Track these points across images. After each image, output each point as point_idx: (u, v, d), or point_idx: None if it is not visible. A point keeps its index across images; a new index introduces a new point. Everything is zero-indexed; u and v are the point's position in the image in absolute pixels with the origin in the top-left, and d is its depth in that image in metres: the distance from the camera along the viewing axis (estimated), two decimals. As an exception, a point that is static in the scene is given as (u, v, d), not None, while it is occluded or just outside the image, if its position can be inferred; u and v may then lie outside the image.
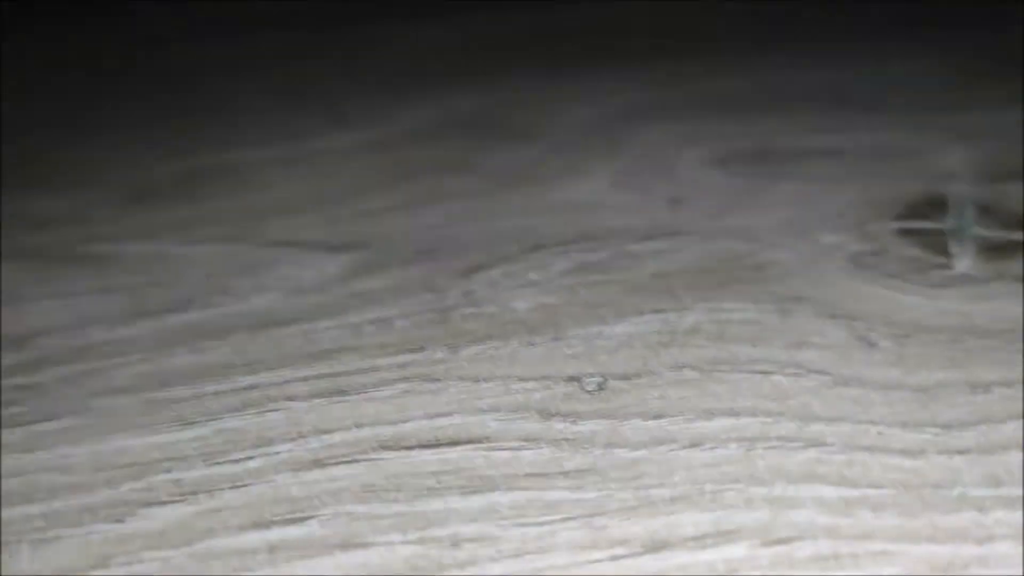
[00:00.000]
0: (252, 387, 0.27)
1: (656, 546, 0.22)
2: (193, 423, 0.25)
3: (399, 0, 0.55)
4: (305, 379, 0.27)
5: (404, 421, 0.25)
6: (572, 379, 0.26)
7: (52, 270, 0.32)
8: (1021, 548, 0.21)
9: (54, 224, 0.34)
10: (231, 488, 0.24)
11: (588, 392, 0.26)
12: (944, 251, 0.31)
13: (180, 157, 0.39)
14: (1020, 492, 0.23)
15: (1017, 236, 0.32)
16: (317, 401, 0.26)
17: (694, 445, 0.24)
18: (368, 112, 0.41)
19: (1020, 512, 0.22)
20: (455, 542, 0.22)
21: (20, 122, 0.42)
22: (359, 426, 0.25)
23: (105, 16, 0.54)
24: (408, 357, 0.27)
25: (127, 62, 0.48)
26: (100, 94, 0.44)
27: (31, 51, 0.50)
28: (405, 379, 0.27)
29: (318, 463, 0.24)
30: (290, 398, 0.26)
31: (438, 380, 0.27)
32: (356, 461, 0.24)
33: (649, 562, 0.22)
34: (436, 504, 0.23)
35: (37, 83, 0.46)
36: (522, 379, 0.26)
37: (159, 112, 0.42)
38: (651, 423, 0.25)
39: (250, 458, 0.24)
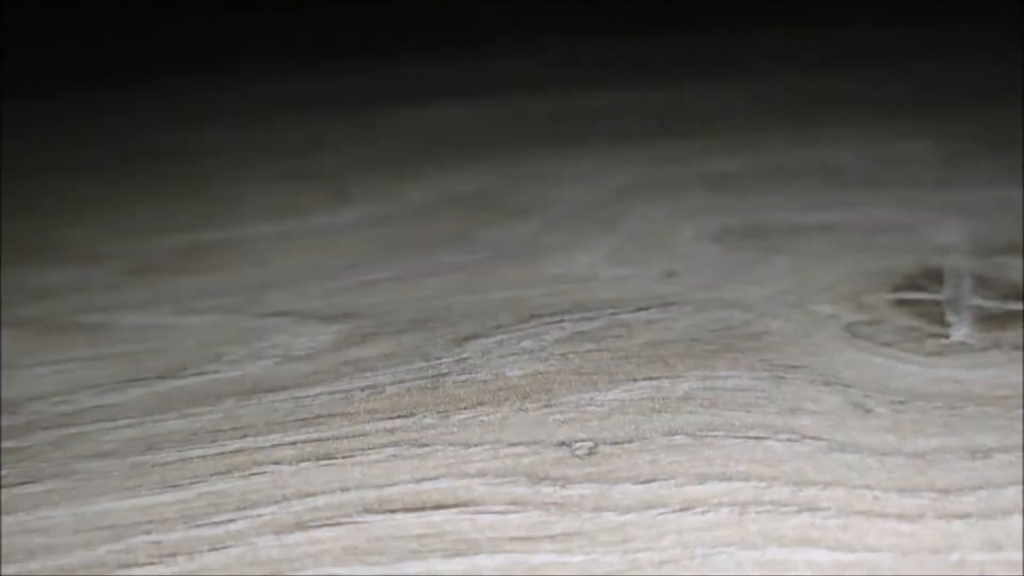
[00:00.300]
0: (239, 451, 0.26)
1: (645, 612, 0.21)
2: (177, 486, 0.25)
3: (399, 85, 0.56)
4: (293, 443, 0.26)
5: (390, 485, 0.25)
6: (562, 444, 0.26)
7: (47, 339, 0.32)
8: (1024, 615, 0.21)
9: (53, 295, 0.35)
10: (211, 550, 0.23)
11: (578, 457, 0.26)
12: (941, 321, 0.31)
13: (181, 233, 0.39)
14: (1021, 557, 0.22)
15: (1015, 306, 0.31)
16: (303, 465, 0.26)
17: (685, 509, 0.24)
18: (369, 190, 0.42)
19: (1022, 578, 0.21)
20: (438, 607, 0.21)
21: (24, 196, 0.43)
22: (344, 489, 0.25)
23: (109, 95, 0.55)
24: (398, 422, 0.27)
25: (131, 141, 0.49)
26: (104, 171, 0.45)
27: (34, 127, 0.51)
28: (394, 444, 0.26)
29: (300, 526, 0.24)
30: (276, 462, 0.26)
31: (427, 445, 0.26)
32: (339, 524, 0.24)
33: (638, 628, 0.21)
34: (418, 567, 0.22)
35: (41, 158, 0.47)
36: (512, 444, 0.26)
37: (162, 189, 0.43)
38: (641, 487, 0.24)
39: (232, 520, 0.24)
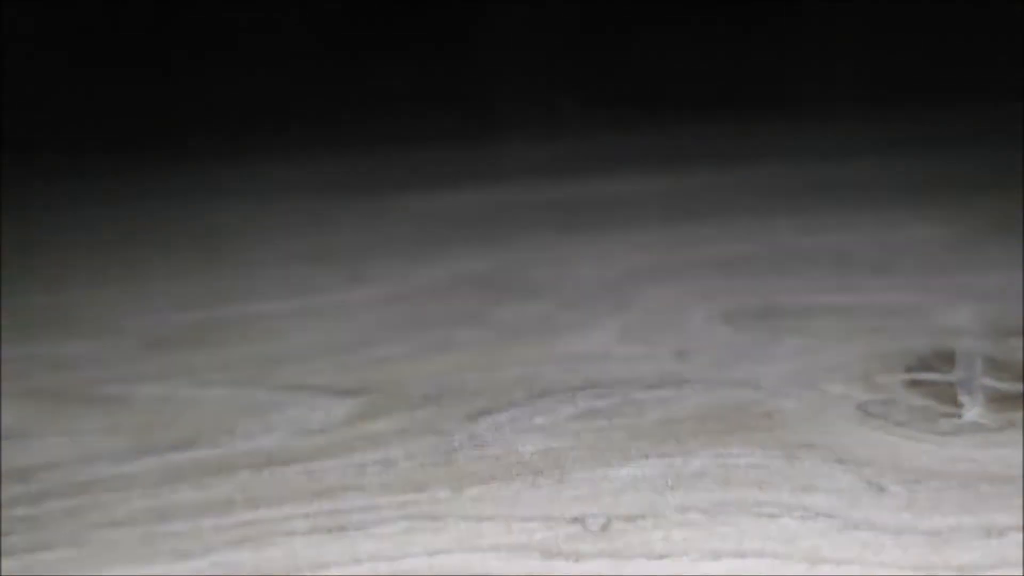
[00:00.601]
0: (252, 522, 0.26)
1: None
2: (190, 556, 0.25)
3: (415, 171, 0.57)
4: (306, 515, 0.26)
5: (403, 557, 0.25)
6: (576, 520, 0.26)
7: (65, 408, 0.32)
8: None
9: (71, 366, 0.35)
10: (222, 621, 0.23)
11: (591, 532, 0.25)
12: (953, 401, 0.31)
13: (197, 308, 0.40)
14: (1040, 637, 0.22)
15: (1027, 389, 0.31)
16: (316, 537, 0.26)
17: (699, 585, 0.23)
18: (384, 271, 0.42)
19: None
20: None
21: (41, 269, 0.43)
22: (357, 561, 0.25)
23: (123, 168, 0.56)
24: (411, 496, 0.27)
25: (147, 215, 0.50)
26: (120, 245, 0.46)
27: (48, 200, 0.52)
28: (406, 517, 0.26)
29: (313, 597, 0.24)
30: (289, 533, 0.26)
31: (440, 519, 0.26)
32: (352, 596, 0.23)
33: None
34: (431, 639, 0.22)
35: (56, 231, 0.48)
36: (525, 519, 0.26)
37: (178, 265, 0.43)
38: (655, 563, 0.24)
39: (244, 591, 0.24)
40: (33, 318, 0.39)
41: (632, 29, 0.95)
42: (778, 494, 0.27)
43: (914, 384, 0.32)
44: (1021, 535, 0.25)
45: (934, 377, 0.32)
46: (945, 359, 0.33)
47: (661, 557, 0.24)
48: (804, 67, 0.84)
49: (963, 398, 0.31)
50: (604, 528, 0.26)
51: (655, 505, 0.26)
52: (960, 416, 0.30)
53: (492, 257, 0.44)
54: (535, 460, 0.28)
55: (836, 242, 0.44)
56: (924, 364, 0.33)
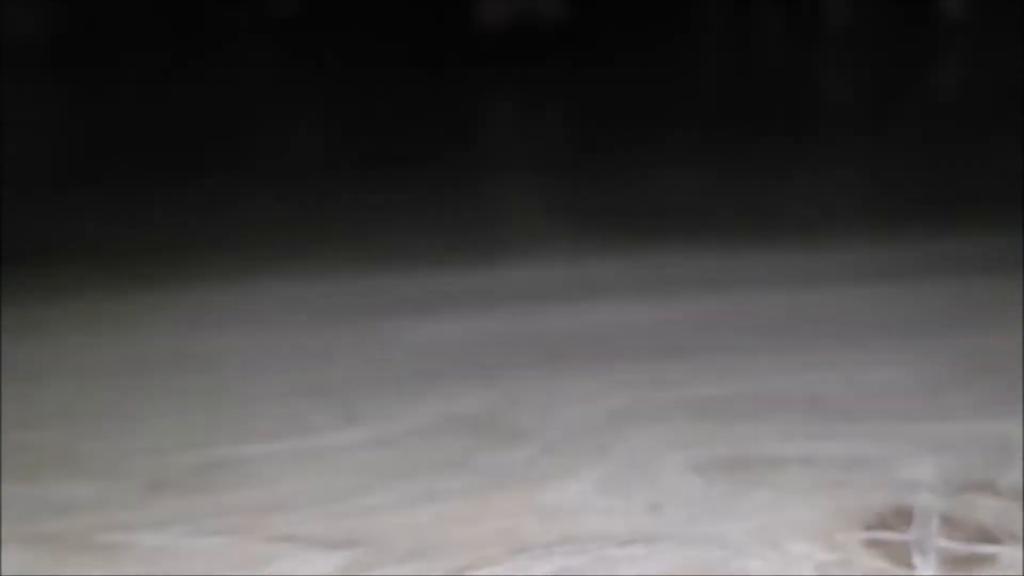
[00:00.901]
0: None
1: None
2: None
3: (408, 296, 0.60)
4: (291, 678, 0.28)
5: None
6: None
7: (66, 556, 0.34)
8: None
9: (74, 511, 0.37)
10: None
11: None
12: (907, 563, 0.32)
13: (195, 449, 0.42)
14: None
15: (981, 549, 0.33)
16: None
17: None
18: (376, 409, 0.45)
19: None
20: None
21: (40, 405, 0.45)
22: None
23: (117, 298, 0.59)
24: (392, 658, 0.29)
25: (143, 346, 0.53)
26: (119, 379, 0.48)
27: (44, 333, 0.54)
28: None
29: None
30: None
31: None
32: None
33: None
34: None
35: (54, 365, 0.50)
36: None
37: (176, 400, 0.46)
38: None
39: None
40: (36, 456, 0.41)
41: (623, 155, 0.99)
42: (738, 662, 0.28)
43: (872, 544, 0.33)
44: None
45: (891, 537, 0.34)
46: (903, 517, 0.35)
47: None
48: (792, 195, 0.87)
49: (916, 559, 0.32)
50: None
51: (621, 671, 0.28)
52: (913, 580, 0.31)
53: (479, 396, 0.46)
54: (511, 620, 0.30)
55: (809, 383, 0.47)
56: (883, 522, 0.35)
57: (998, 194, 0.81)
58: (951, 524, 0.35)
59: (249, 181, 0.88)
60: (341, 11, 1.80)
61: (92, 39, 1.74)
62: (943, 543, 0.33)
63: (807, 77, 1.56)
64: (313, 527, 0.35)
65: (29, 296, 0.60)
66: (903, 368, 0.48)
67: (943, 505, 0.36)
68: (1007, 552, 0.33)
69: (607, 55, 1.65)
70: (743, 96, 1.31)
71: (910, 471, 0.38)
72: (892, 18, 1.87)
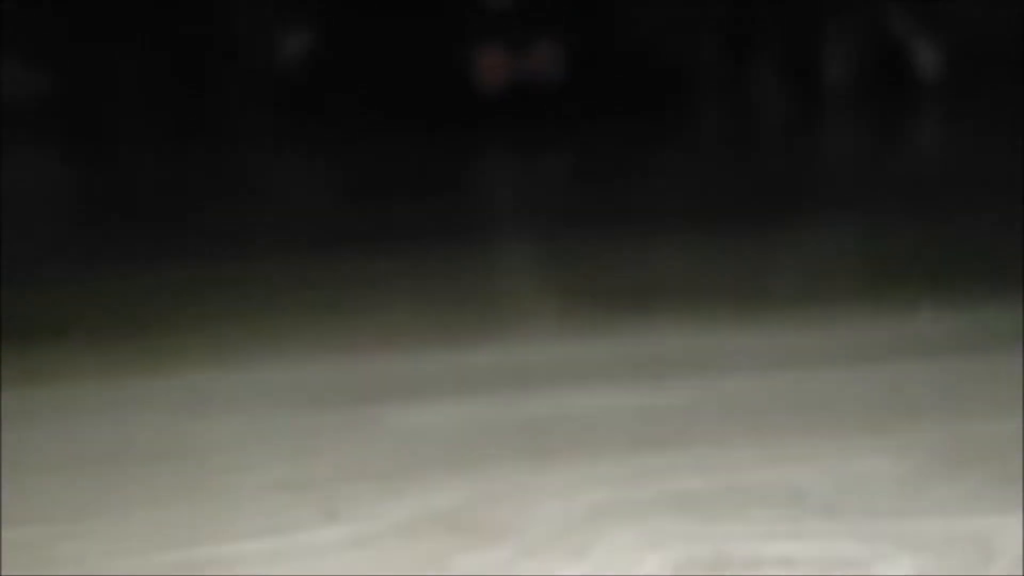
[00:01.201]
0: None
1: None
2: None
3: (388, 381, 0.60)
4: None
5: None
6: None
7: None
8: None
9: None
10: None
11: None
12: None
13: (178, 548, 0.41)
14: None
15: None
16: None
17: None
18: (356, 506, 0.45)
19: None
20: None
21: (21, 498, 0.45)
22: None
23: (95, 388, 0.59)
24: None
25: (122, 437, 0.53)
26: (99, 472, 0.48)
27: (20, 423, 0.54)
28: None
29: None
30: None
31: None
32: None
33: None
34: None
35: (33, 457, 0.50)
36: None
37: (158, 495, 0.46)
38: None
39: None
40: (11, 559, 0.41)
41: (613, 229, 1.00)
42: None
43: (849, 654, 0.33)
44: None
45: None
46: (881, 624, 0.35)
47: None
48: (785, 272, 0.88)
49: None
50: None
51: None
52: None
53: (460, 491, 0.46)
54: None
55: (791, 476, 0.47)
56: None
57: (988, 270, 0.82)
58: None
59: (231, 257, 0.89)
60: (337, 74, 1.82)
61: (88, 103, 1.76)
62: (920, 653, 0.33)
63: (802, 147, 1.58)
64: (288, 636, 0.35)
65: (7, 382, 0.60)
66: (883, 457, 0.48)
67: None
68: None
69: (603, 120, 1.67)
70: (739, 176, 1.33)
71: (888, 572, 0.38)
72: (871, 79, 1.90)
